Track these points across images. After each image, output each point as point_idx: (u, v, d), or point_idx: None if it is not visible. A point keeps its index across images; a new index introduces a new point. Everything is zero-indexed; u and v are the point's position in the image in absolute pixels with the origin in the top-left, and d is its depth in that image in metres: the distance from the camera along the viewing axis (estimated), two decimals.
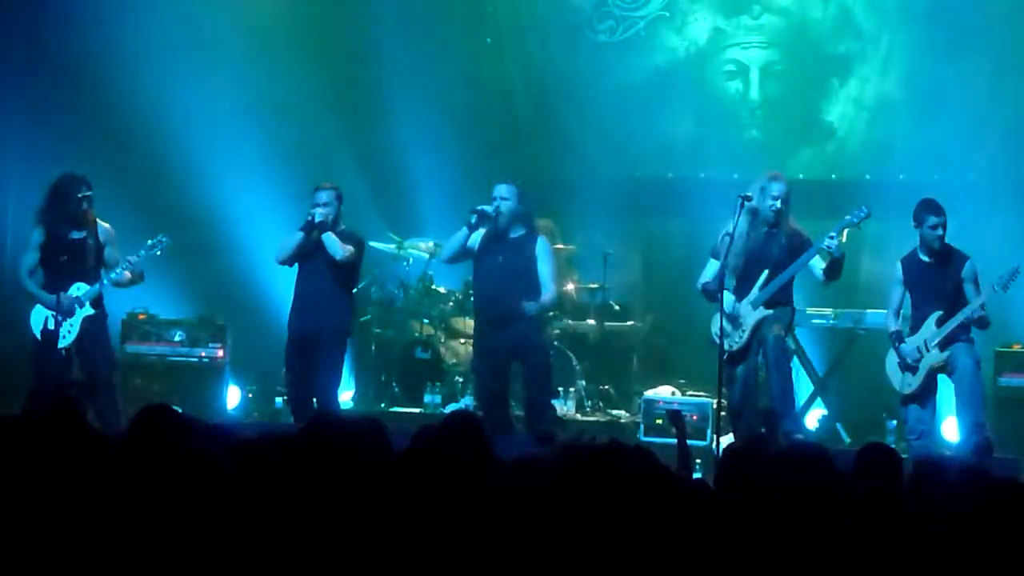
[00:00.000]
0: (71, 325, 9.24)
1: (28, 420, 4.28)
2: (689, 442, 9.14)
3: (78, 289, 9.26)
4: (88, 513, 3.68)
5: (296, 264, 9.63)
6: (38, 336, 9.22)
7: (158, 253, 9.48)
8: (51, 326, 9.14)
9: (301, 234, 9.49)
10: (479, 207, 9.23)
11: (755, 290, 9.02)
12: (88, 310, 9.28)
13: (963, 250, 9.10)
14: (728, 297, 8.92)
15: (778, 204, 8.99)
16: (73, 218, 9.31)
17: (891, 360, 9.16)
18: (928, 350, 8.91)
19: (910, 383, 9.00)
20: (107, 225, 9.42)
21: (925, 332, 8.93)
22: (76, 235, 9.32)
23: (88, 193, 9.30)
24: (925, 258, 9.01)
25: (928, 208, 8.94)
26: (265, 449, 4.29)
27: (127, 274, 9.34)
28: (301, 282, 9.63)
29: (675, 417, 6.78)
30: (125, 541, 3.57)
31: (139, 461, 3.96)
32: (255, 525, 3.70)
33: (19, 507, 3.76)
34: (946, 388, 9.15)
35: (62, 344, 9.20)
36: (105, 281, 9.33)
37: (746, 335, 8.98)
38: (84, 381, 9.22)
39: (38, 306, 9.27)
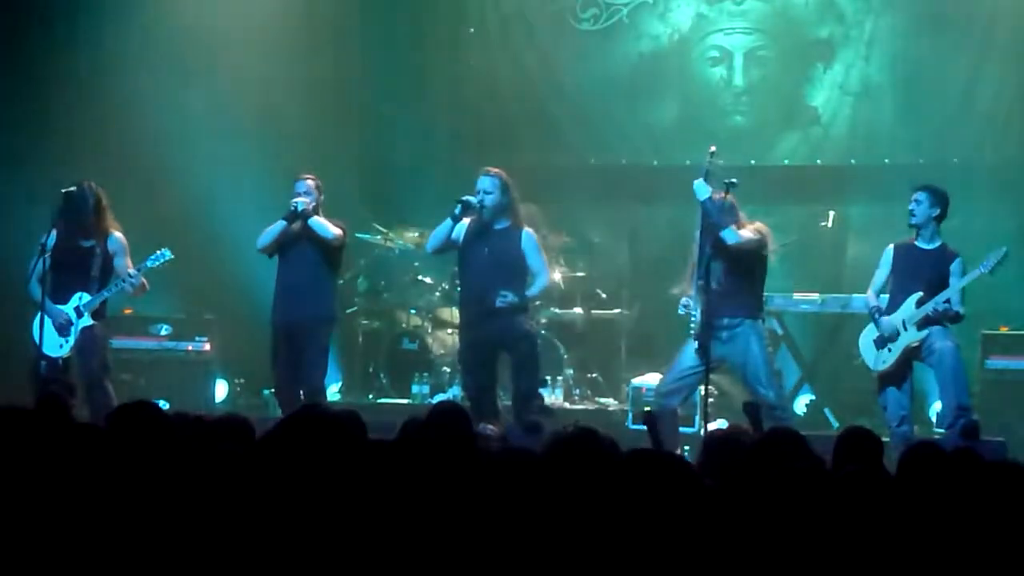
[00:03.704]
0: (67, 337, 9.21)
1: (12, 410, 4.28)
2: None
3: (80, 299, 9.21)
4: (74, 500, 3.69)
5: (278, 254, 9.62)
6: (36, 340, 9.18)
7: (159, 266, 9.40)
8: (48, 334, 9.11)
9: (283, 222, 9.49)
10: (463, 197, 9.21)
11: None
12: (87, 320, 9.21)
13: (949, 233, 9.08)
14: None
15: None
16: (84, 227, 9.28)
17: (866, 338, 9.06)
18: (905, 329, 8.86)
19: (885, 360, 8.91)
20: (120, 235, 9.36)
21: (904, 312, 8.87)
22: (85, 244, 9.29)
23: (96, 203, 9.27)
24: (920, 244, 8.94)
25: (915, 187, 8.95)
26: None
27: (129, 288, 9.32)
28: (283, 272, 9.62)
29: (648, 420, 6.46)
30: (108, 527, 3.58)
31: (119, 455, 3.97)
32: (236, 516, 3.71)
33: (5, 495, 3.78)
34: (929, 374, 9.13)
35: (57, 354, 9.19)
36: (114, 289, 9.28)
37: None
38: (76, 382, 9.18)
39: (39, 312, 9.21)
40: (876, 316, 8.97)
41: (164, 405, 7.51)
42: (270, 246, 9.60)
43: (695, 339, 8.68)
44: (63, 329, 9.19)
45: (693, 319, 8.68)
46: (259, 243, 9.64)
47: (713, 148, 8.81)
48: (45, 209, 9.45)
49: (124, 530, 3.65)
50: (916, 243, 8.95)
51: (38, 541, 3.66)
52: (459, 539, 3.62)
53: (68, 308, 9.22)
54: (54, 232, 9.23)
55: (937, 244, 8.92)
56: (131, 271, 9.26)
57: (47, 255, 9.12)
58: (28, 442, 4.10)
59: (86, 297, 9.22)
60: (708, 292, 8.59)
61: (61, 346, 9.21)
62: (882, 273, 9.10)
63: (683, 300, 8.83)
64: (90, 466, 3.91)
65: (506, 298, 9.04)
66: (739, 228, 8.69)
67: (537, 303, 10.36)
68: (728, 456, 4.60)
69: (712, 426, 8.57)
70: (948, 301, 8.72)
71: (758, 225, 8.87)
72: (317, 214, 9.53)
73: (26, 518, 3.73)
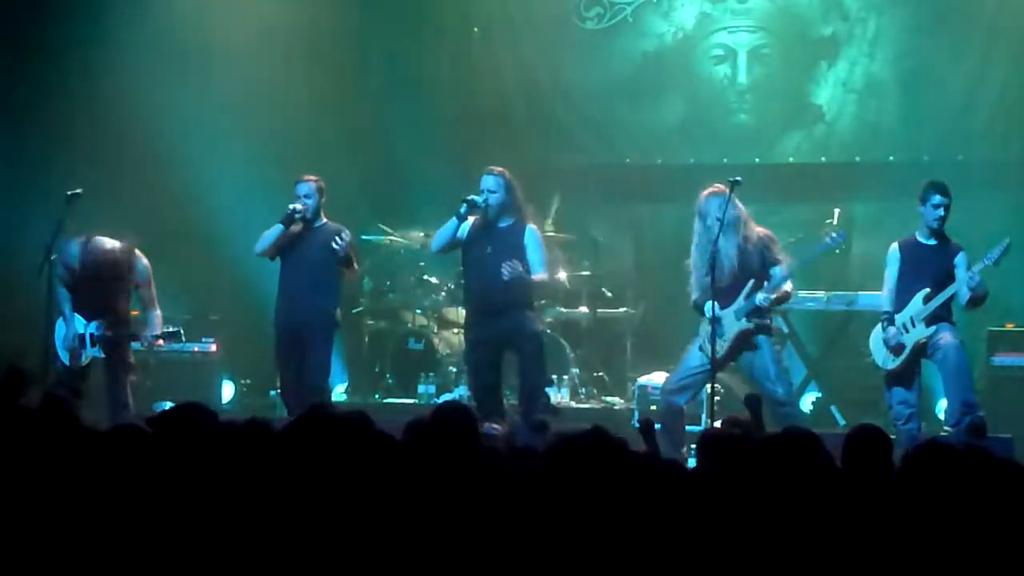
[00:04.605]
0: (83, 352, 9.25)
1: (16, 411, 4.28)
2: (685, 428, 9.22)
3: (96, 328, 9.23)
4: (75, 503, 3.70)
5: (280, 256, 9.62)
6: (59, 345, 9.20)
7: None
8: (69, 344, 9.19)
9: (280, 226, 9.48)
10: (469, 197, 9.21)
11: (740, 299, 8.89)
12: (97, 351, 9.25)
13: (954, 230, 9.07)
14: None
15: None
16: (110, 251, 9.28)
17: (876, 336, 9.06)
18: (914, 325, 8.85)
19: (894, 358, 8.94)
20: (145, 262, 9.39)
21: (912, 309, 8.87)
22: (109, 271, 9.28)
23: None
24: (923, 240, 8.95)
25: (934, 187, 8.91)
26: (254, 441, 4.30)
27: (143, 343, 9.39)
28: (285, 274, 9.61)
29: (644, 428, 6.34)
30: (111, 525, 3.59)
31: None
32: (242, 515, 3.71)
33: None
34: (935, 371, 9.12)
35: (77, 363, 9.26)
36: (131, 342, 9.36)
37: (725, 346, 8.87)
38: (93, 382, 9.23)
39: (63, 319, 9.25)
40: (886, 325, 8.96)
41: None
42: (268, 250, 9.60)
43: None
44: (79, 343, 9.22)
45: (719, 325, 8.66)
46: (257, 247, 9.63)
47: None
48: (53, 210, 9.40)
49: (125, 528, 3.66)
50: (919, 240, 8.96)
51: (45, 539, 3.67)
52: (464, 538, 3.62)
53: (83, 328, 9.24)
54: (78, 242, 9.23)
55: (940, 239, 8.93)
56: (148, 335, 9.32)
57: (73, 261, 9.17)
58: (33, 441, 4.11)
59: (99, 327, 9.22)
60: (715, 291, 8.59)
61: (80, 357, 9.28)
62: (892, 272, 9.07)
63: (719, 311, 8.71)
64: (98, 469, 3.91)
65: (513, 268, 8.98)
66: (748, 230, 8.71)
67: (542, 302, 10.34)
68: (724, 453, 4.60)
69: (717, 424, 8.56)
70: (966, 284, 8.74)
71: (767, 232, 8.90)
72: (317, 217, 9.50)
73: (36, 518, 3.73)
